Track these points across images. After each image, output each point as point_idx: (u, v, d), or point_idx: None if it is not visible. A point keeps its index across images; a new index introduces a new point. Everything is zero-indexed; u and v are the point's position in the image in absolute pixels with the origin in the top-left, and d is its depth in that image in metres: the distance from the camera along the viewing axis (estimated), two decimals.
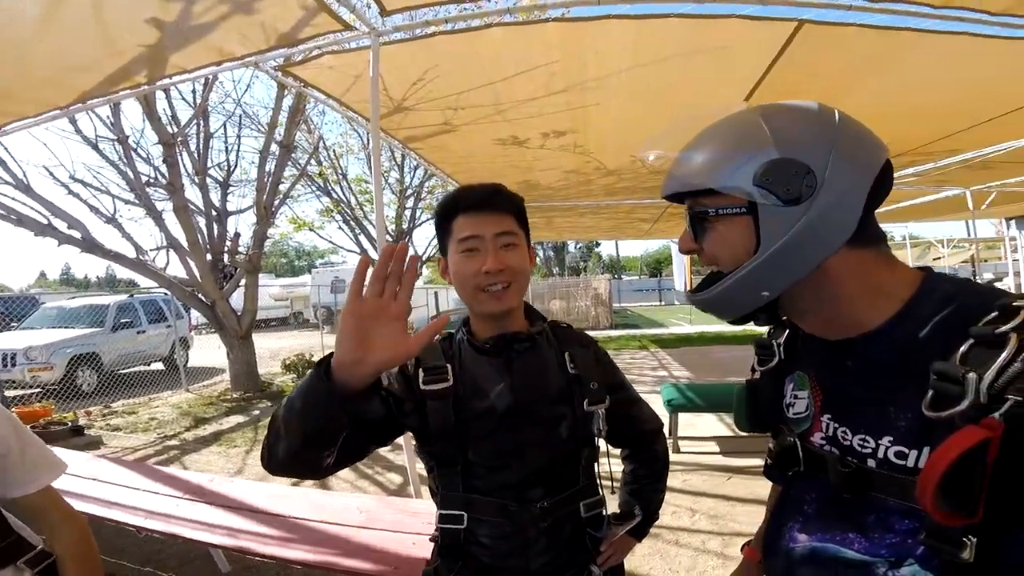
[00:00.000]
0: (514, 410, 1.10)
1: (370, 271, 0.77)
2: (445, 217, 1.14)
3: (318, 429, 0.79)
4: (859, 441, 0.70)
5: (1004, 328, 0.58)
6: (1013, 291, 0.65)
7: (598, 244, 54.76)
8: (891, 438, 0.66)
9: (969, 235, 12.47)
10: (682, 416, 5.00)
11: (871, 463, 0.68)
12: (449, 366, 1.11)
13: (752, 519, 3.40)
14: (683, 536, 3.23)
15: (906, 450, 0.65)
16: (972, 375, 0.56)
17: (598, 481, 1.20)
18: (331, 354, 0.76)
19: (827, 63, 3.16)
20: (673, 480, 4.07)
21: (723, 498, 3.79)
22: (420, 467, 4.39)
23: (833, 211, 0.65)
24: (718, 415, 5.76)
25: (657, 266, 57.79)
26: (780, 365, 0.87)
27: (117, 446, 5.82)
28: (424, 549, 1.25)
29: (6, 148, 6.56)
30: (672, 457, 4.45)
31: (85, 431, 6.20)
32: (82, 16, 2.51)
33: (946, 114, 4.07)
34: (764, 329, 0.91)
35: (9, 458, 1.12)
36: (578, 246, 47.29)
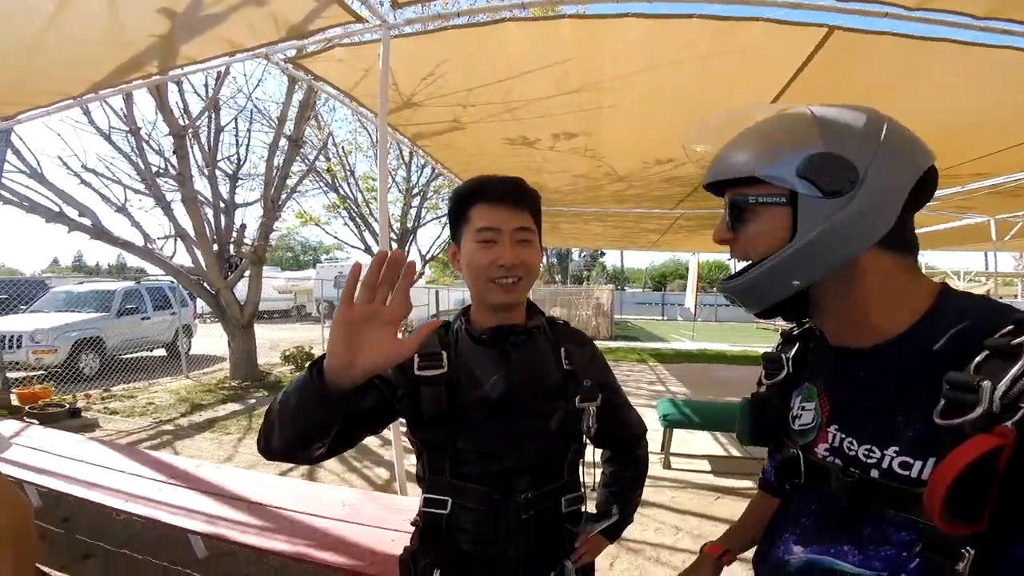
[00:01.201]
0: (507, 401, 1.11)
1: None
2: (463, 204, 1.13)
3: (310, 425, 0.82)
4: (865, 451, 0.70)
5: (1020, 340, 0.58)
6: None
7: (603, 254, 54.70)
8: (897, 448, 0.66)
9: (987, 268, 12.14)
10: (676, 432, 4.95)
11: (874, 473, 0.68)
12: (445, 353, 1.11)
13: None
14: (664, 554, 3.16)
15: (911, 460, 0.65)
16: (987, 383, 0.57)
17: (581, 479, 1.21)
18: (324, 355, 0.78)
19: (855, 74, 3.04)
20: (661, 496, 4.03)
21: (709, 518, 3.72)
22: (408, 464, 4.35)
23: (871, 208, 0.66)
24: (713, 434, 5.70)
25: (662, 280, 57.56)
26: (788, 378, 0.88)
27: (112, 429, 5.85)
28: (403, 547, 1.23)
29: (20, 138, 6.62)
30: (662, 473, 4.51)
31: (82, 413, 6.27)
32: (94, 7, 2.54)
33: (977, 135, 3.89)
34: (768, 348, 0.95)
35: None
36: (582, 255, 47.20)
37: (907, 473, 0.65)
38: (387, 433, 5.42)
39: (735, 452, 5.26)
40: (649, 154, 5.07)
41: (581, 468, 1.21)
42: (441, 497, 1.11)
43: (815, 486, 0.78)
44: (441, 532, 1.12)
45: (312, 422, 0.81)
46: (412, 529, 1.20)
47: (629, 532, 3.28)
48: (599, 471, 1.42)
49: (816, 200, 0.67)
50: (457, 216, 1.14)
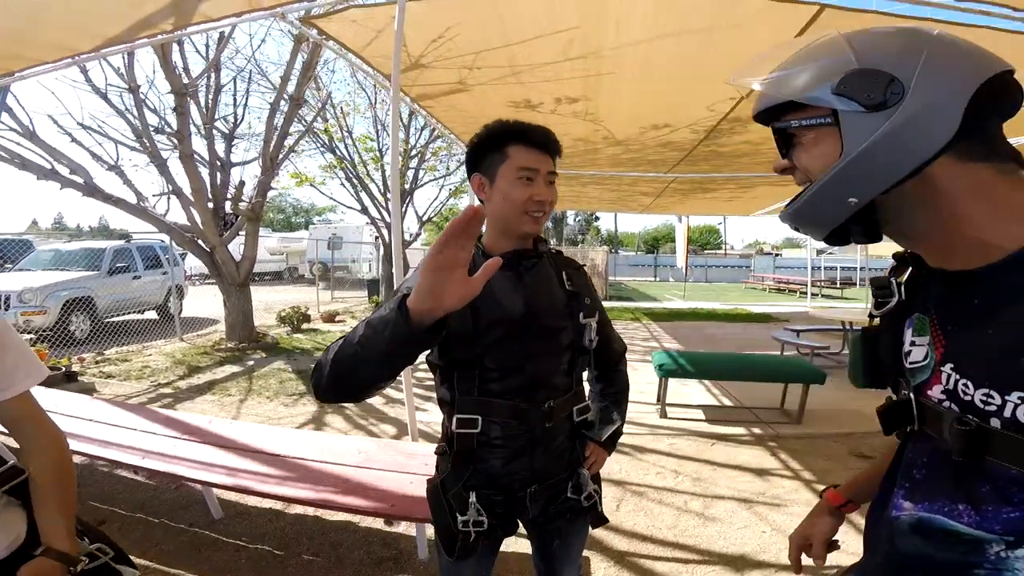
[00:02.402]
0: (525, 318, 1.25)
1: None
2: (501, 141, 1.25)
3: (401, 360, 0.89)
4: (982, 396, 0.61)
5: None
6: None
7: (597, 217, 54.69)
8: (1021, 394, 0.57)
9: None
10: (671, 385, 5.16)
11: (994, 422, 0.59)
12: None
13: (733, 483, 3.56)
14: (666, 496, 3.36)
15: None
16: None
17: (585, 390, 1.40)
18: (405, 296, 0.85)
19: None
20: (659, 444, 4.22)
21: (706, 463, 3.92)
22: (424, 412, 4.49)
23: (922, 117, 0.61)
24: (705, 385, 6.00)
25: (654, 243, 57.88)
26: (900, 306, 0.77)
27: (110, 393, 5.81)
28: (422, 488, 1.36)
29: (15, 96, 6.47)
30: (659, 422, 4.74)
31: (78, 377, 6.13)
32: None
33: None
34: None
35: None
36: (577, 218, 47.18)
37: None
38: (390, 391, 5.60)
39: (727, 402, 5.51)
40: (646, 119, 5.15)
41: (584, 380, 1.38)
42: (471, 416, 1.23)
43: (929, 435, 0.70)
44: (473, 452, 1.26)
45: (404, 358, 0.89)
46: (429, 472, 1.33)
47: (630, 476, 3.63)
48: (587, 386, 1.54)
49: (859, 115, 0.64)
50: (492, 151, 1.25)
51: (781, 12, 2.81)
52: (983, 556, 0.60)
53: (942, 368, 0.67)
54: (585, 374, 1.46)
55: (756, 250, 52.79)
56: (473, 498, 1.25)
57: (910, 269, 0.79)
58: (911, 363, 0.73)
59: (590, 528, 1.43)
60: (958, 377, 0.64)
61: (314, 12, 3.22)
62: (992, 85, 0.61)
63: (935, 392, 0.68)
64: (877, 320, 0.82)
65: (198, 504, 3.12)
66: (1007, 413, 0.58)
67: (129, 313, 10.56)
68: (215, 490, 3.07)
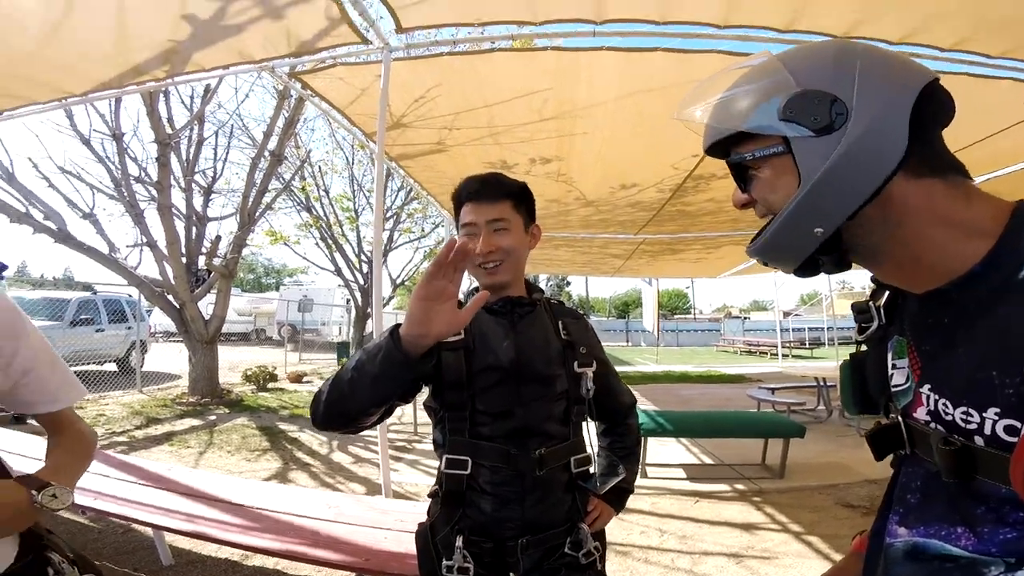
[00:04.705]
0: (517, 364, 1.26)
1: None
2: (456, 204, 1.32)
3: (392, 386, 0.95)
4: (962, 415, 0.59)
5: None
6: None
7: (568, 283, 55.40)
8: (998, 410, 0.56)
9: None
10: (650, 445, 5.11)
11: (978, 440, 0.58)
12: None
13: (720, 539, 3.51)
14: (652, 555, 3.29)
15: (1019, 424, 0.54)
16: None
17: (585, 441, 1.37)
18: (397, 326, 0.91)
19: None
20: (641, 503, 4.16)
21: (691, 520, 3.87)
22: (395, 472, 4.34)
23: (871, 135, 0.61)
24: (683, 444, 5.96)
25: (625, 308, 58.64)
26: (881, 330, 0.76)
27: None
28: (397, 543, 1.34)
29: None
30: (640, 482, 4.66)
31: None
32: (118, 4, 2.56)
33: None
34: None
35: (40, 373, 1.10)
36: (549, 283, 47.80)
37: (1014, 439, 0.54)
38: (358, 449, 5.46)
39: (707, 460, 5.48)
40: (615, 179, 5.41)
41: (585, 432, 1.37)
42: (462, 457, 1.23)
43: (921, 458, 0.68)
44: (462, 495, 1.25)
45: (395, 383, 0.94)
46: (404, 530, 1.31)
47: (614, 535, 3.54)
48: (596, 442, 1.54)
49: (810, 140, 0.63)
50: (456, 214, 1.33)
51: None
52: None
53: (920, 390, 0.66)
54: (592, 427, 1.43)
55: (724, 313, 53.79)
56: (460, 542, 1.22)
57: (887, 292, 0.77)
58: (895, 386, 0.72)
59: None
60: (937, 397, 0.63)
61: (301, 68, 3.36)
62: (927, 96, 0.62)
63: (920, 414, 0.67)
64: (863, 347, 0.81)
65: (146, 549, 2.96)
66: (987, 430, 0.57)
67: (88, 364, 10.34)
68: (167, 536, 2.90)
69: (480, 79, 3.31)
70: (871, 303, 0.78)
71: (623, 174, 5.23)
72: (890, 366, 0.73)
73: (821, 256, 0.68)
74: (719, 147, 0.74)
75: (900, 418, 0.70)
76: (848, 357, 0.83)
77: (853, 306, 0.81)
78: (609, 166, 4.96)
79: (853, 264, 0.71)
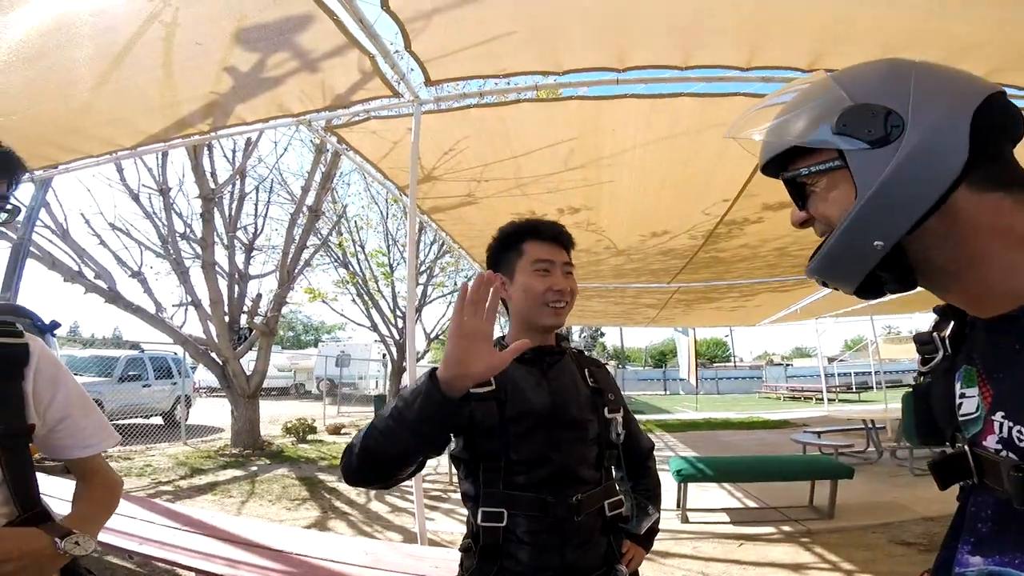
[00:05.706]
0: (550, 412, 1.26)
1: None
2: (515, 239, 1.35)
3: (429, 430, 0.93)
4: None
5: None
6: None
7: (603, 333, 54.87)
8: None
9: None
10: (690, 491, 4.96)
11: None
12: None
13: None
14: None
15: None
16: None
17: (616, 485, 1.37)
18: (435, 369, 0.90)
19: None
20: (683, 547, 4.01)
21: (735, 562, 3.72)
22: (431, 521, 4.28)
23: (928, 145, 0.60)
24: (726, 489, 5.73)
25: (661, 358, 57.43)
26: (947, 360, 0.74)
27: None
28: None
29: (54, 191, 6.71)
30: (680, 527, 4.52)
31: None
32: (164, 56, 2.68)
33: None
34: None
35: (75, 420, 1.14)
36: (583, 334, 47.39)
37: None
38: (395, 499, 5.43)
39: (751, 504, 5.26)
40: (646, 227, 5.41)
41: (615, 475, 1.37)
42: (497, 509, 1.20)
43: (991, 487, 0.66)
44: (499, 547, 1.22)
45: (434, 425, 0.92)
46: (439, 574, 1.29)
47: None
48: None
49: (866, 152, 0.62)
50: (509, 249, 1.35)
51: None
52: None
53: (992, 417, 0.64)
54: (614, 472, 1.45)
55: (766, 361, 52.14)
56: None
57: (952, 323, 0.75)
58: (963, 415, 0.70)
59: None
60: (1011, 424, 0.61)
61: (336, 121, 3.55)
62: (991, 108, 0.60)
63: (990, 442, 0.65)
64: (923, 378, 0.79)
65: None
66: None
67: (135, 417, 10.69)
68: None
69: (507, 130, 3.44)
70: (935, 334, 0.76)
71: (653, 221, 5.24)
72: (957, 395, 0.71)
73: (883, 273, 0.67)
74: (774, 164, 0.74)
75: (967, 447, 0.68)
76: (910, 388, 0.82)
77: (915, 337, 0.79)
78: (639, 214, 4.99)
79: (918, 284, 0.69)
